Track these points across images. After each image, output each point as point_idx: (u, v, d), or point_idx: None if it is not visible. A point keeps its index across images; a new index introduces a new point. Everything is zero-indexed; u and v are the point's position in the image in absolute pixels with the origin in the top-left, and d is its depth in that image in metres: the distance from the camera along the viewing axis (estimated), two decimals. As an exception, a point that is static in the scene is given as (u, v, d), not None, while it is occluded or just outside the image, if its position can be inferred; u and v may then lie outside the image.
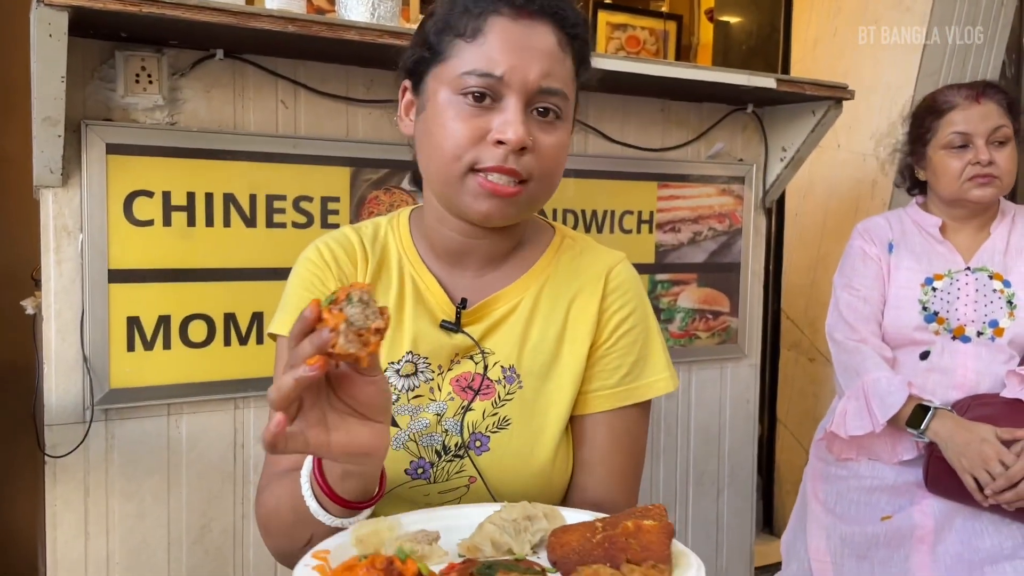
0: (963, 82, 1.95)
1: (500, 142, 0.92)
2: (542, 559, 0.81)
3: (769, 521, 3.30)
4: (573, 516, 0.88)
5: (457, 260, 1.05)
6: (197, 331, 1.78)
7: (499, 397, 1.03)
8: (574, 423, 1.06)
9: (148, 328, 1.73)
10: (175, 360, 1.76)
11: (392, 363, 1.03)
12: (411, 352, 1.03)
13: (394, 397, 1.02)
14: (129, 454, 1.75)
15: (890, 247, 1.92)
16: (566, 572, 0.75)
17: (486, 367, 1.03)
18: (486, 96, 0.92)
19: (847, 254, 1.99)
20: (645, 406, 1.07)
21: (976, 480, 1.62)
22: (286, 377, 0.71)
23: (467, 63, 0.93)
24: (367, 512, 0.86)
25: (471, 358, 1.04)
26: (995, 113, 1.79)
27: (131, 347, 1.72)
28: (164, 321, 1.75)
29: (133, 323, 1.72)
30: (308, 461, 0.86)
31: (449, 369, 1.04)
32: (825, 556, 1.83)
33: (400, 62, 1.03)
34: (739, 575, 2.65)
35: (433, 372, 1.03)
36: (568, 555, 0.76)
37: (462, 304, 1.04)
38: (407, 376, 1.03)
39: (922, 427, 1.69)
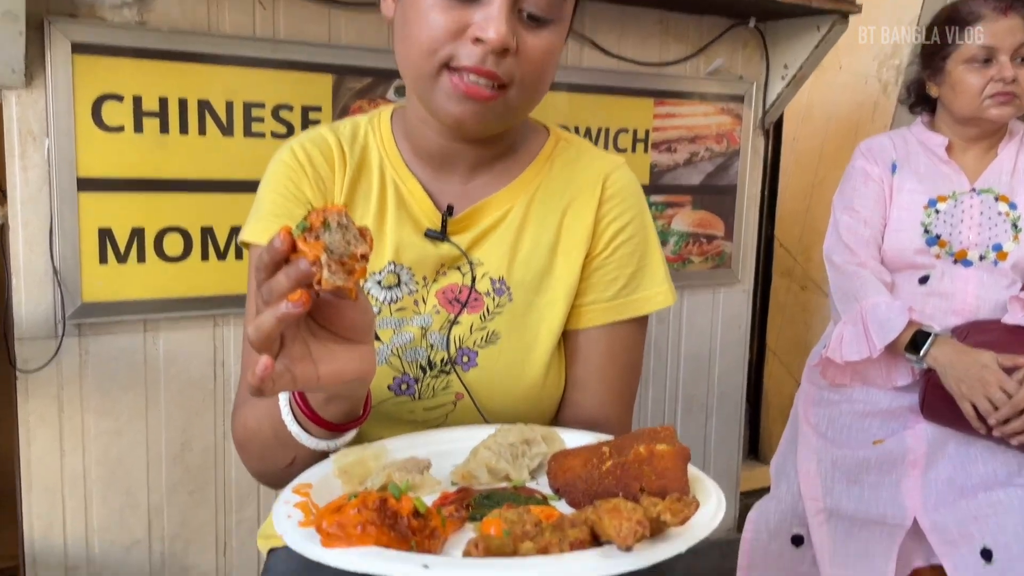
0: None
1: (479, 40, 0.83)
2: (542, 485, 0.76)
3: (755, 447, 3.31)
4: (572, 438, 0.82)
5: (442, 165, 0.98)
6: (173, 244, 1.71)
7: (488, 310, 0.96)
8: (567, 338, 1.00)
9: (121, 240, 1.66)
10: (150, 274, 1.70)
11: (373, 273, 0.96)
12: (393, 262, 0.96)
13: (376, 310, 0.96)
14: (104, 370, 1.69)
15: (893, 167, 1.85)
16: (572, 500, 0.70)
17: (474, 279, 0.97)
18: None
19: (848, 175, 1.92)
20: (642, 321, 1.02)
21: (976, 408, 1.59)
22: (266, 315, 0.64)
23: None
24: (353, 432, 0.81)
25: (458, 269, 0.97)
26: (1021, 28, 1.70)
27: (103, 260, 1.65)
28: (138, 234, 1.68)
29: (105, 235, 1.65)
30: None
31: (434, 281, 0.97)
32: (815, 479, 1.81)
33: None
34: (726, 500, 2.65)
35: (417, 284, 0.97)
36: (573, 481, 0.70)
37: (448, 211, 0.96)
38: (389, 288, 0.96)
39: (921, 353, 1.65)
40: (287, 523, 0.63)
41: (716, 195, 2.42)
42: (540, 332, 0.97)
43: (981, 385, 1.58)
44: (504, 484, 0.76)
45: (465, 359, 0.95)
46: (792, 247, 3.18)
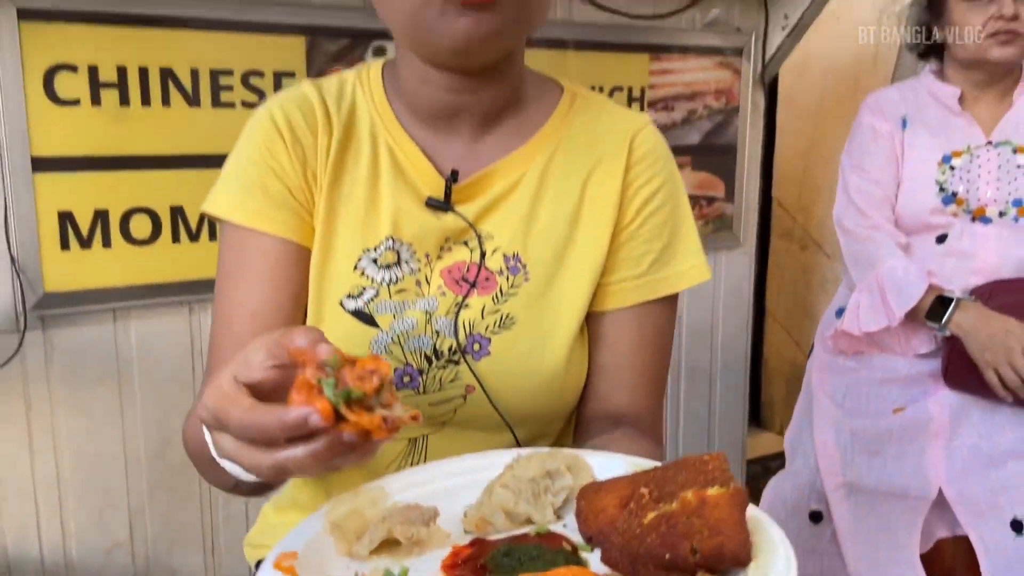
0: None
1: None
2: (570, 527, 0.63)
3: (756, 414, 3.23)
4: (601, 464, 0.69)
5: (445, 123, 0.85)
6: (140, 227, 1.59)
7: (501, 291, 0.85)
8: (592, 321, 0.88)
9: (83, 224, 1.54)
10: (117, 259, 1.58)
11: (367, 250, 0.84)
12: (391, 237, 0.84)
13: (373, 292, 0.84)
14: (73, 364, 1.58)
15: (903, 123, 1.75)
16: (608, 557, 0.56)
17: (483, 254, 0.85)
18: None
19: (855, 132, 1.81)
20: (673, 299, 0.91)
21: (1000, 375, 1.51)
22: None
23: None
24: None
25: (465, 244, 0.85)
26: None
27: (65, 245, 1.53)
28: (101, 216, 1.55)
29: (65, 218, 1.52)
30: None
31: (439, 258, 0.85)
32: (834, 452, 1.72)
33: None
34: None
35: (419, 261, 0.85)
36: (608, 533, 0.57)
37: (452, 177, 0.84)
38: (387, 267, 0.84)
39: (943, 320, 1.56)
40: None
41: (716, 155, 2.31)
42: (561, 315, 0.85)
43: (1005, 352, 1.50)
44: (526, 529, 0.64)
45: (476, 347, 0.83)
46: (791, 207, 3.08)
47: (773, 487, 1.86)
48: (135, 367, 1.64)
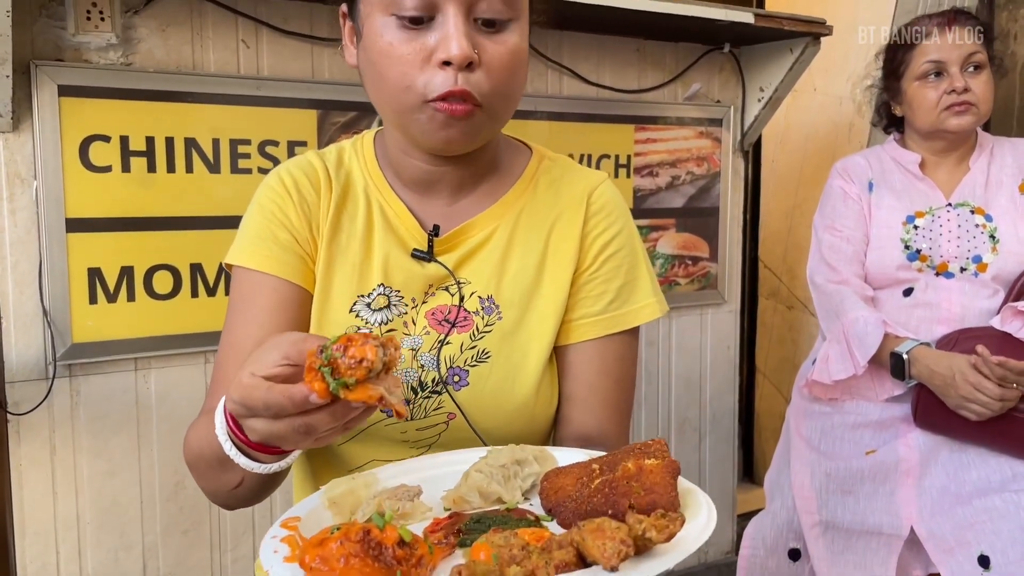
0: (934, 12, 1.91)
1: (446, 63, 0.84)
2: (535, 506, 0.75)
3: (750, 469, 3.30)
4: (565, 456, 0.81)
5: (427, 188, 0.99)
6: (162, 282, 1.72)
7: (477, 329, 0.97)
8: (559, 354, 1.01)
9: (110, 279, 1.67)
10: (140, 312, 1.70)
11: (362, 296, 0.97)
12: (383, 284, 0.97)
13: (367, 331, 0.96)
14: (96, 410, 1.69)
15: (870, 186, 1.88)
16: (563, 520, 0.69)
17: (462, 298, 0.98)
18: (422, 11, 0.84)
19: (827, 194, 1.95)
20: (633, 333, 1.02)
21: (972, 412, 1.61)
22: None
23: None
24: (295, 455, 0.79)
25: (446, 289, 0.98)
26: (967, 39, 1.75)
27: (93, 299, 1.65)
28: (127, 272, 1.68)
29: (94, 274, 1.65)
30: (221, 405, 0.77)
31: (423, 302, 0.98)
32: (810, 492, 1.81)
33: None
34: (722, 522, 2.65)
35: (407, 305, 0.98)
36: (564, 501, 0.70)
37: (434, 231, 0.98)
38: (379, 310, 0.97)
39: (905, 377, 1.67)
40: (273, 558, 0.63)
41: (699, 217, 2.45)
42: (530, 349, 0.98)
43: (962, 397, 1.58)
44: (497, 507, 0.75)
45: (456, 378, 0.96)
46: (776, 267, 3.21)
47: (754, 526, 1.94)
48: (153, 413, 1.74)
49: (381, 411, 0.70)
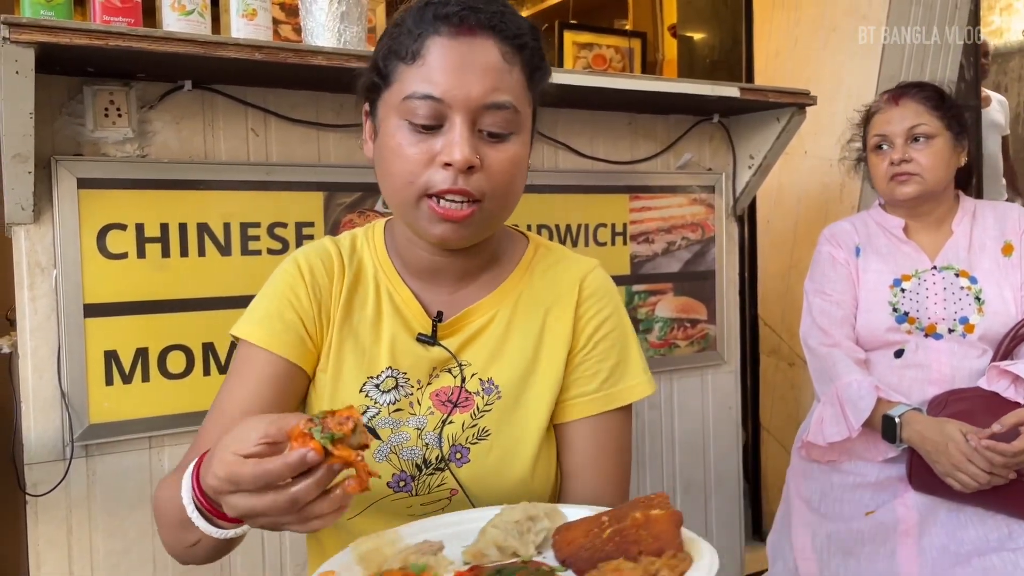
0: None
1: (448, 164, 0.92)
2: (548, 559, 0.81)
3: (758, 528, 3.30)
4: (573, 512, 0.88)
5: (430, 276, 1.06)
6: (176, 362, 1.78)
7: (477, 409, 1.03)
8: (558, 432, 1.07)
9: (126, 361, 1.73)
10: (154, 392, 1.75)
11: (371, 377, 1.04)
12: (390, 367, 1.04)
13: (375, 411, 1.03)
14: (111, 490, 1.73)
15: (857, 251, 1.95)
16: (578, 569, 0.75)
17: (464, 379, 1.04)
18: (432, 120, 0.92)
19: (816, 260, 2.02)
20: (627, 410, 1.08)
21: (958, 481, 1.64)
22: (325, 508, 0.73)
23: (408, 87, 0.93)
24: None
25: (449, 371, 1.05)
26: (913, 112, 1.85)
27: (109, 381, 1.71)
28: (142, 353, 1.74)
29: (110, 357, 1.71)
30: (190, 469, 0.82)
31: (428, 383, 1.05)
32: (811, 554, 1.84)
33: (357, 87, 1.04)
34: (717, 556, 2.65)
35: (413, 387, 1.04)
36: (577, 552, 0.77)
37: (438, 317, 1.05)
38: (388, 391, 1.03)
39: (896, 441, 1.71)
40: None
41: (696, 280, 2.51)
42: (528, 427, 1.04)
43: (951, 466, 1.62)
44: (513, 560, 0.81)
45: (458, 455, 1.02)
46: (776, 325, 3.25)
47: (758, 591, 1.96)
48: (167, 491, 1.78)
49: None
